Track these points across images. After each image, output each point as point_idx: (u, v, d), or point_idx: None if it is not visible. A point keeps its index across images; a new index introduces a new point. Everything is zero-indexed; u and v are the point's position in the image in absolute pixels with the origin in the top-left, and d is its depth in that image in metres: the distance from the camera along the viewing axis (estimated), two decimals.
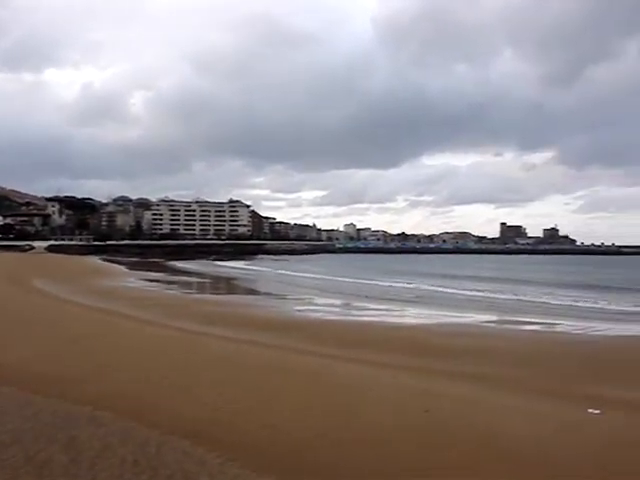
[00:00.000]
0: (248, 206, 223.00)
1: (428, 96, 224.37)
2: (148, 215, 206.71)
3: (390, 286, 51.42)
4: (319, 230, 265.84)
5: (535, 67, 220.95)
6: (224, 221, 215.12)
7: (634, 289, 47.30)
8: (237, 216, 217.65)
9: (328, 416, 9.54)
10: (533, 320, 28.08)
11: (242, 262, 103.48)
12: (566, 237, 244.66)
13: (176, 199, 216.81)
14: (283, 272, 73.13)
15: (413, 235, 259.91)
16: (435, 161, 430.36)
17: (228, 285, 55.19)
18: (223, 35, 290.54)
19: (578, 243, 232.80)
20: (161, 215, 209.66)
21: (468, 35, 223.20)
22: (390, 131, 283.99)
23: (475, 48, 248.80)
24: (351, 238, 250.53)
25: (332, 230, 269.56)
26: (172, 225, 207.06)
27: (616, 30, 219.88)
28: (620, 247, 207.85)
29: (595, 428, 9.51)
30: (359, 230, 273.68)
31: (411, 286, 52.07)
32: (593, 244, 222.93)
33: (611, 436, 9.04)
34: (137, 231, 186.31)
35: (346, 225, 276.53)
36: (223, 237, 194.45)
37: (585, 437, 8.94)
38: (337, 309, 33.12)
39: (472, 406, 10.63)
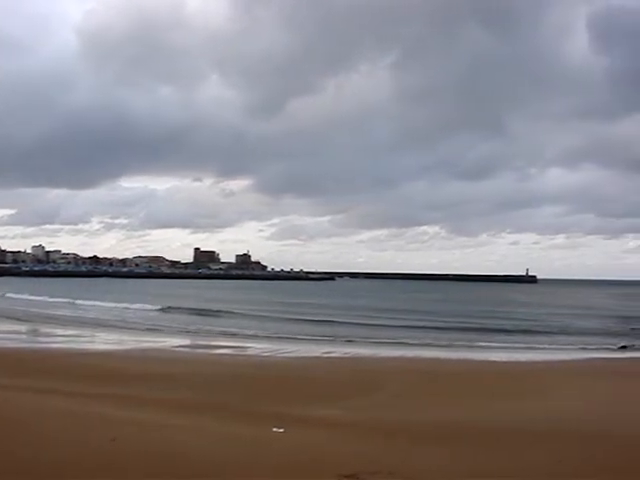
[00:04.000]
0: None
1: (131, 117, 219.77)
2: None
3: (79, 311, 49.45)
4: (3, 252, 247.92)
5: (240, 95, 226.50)
6: None
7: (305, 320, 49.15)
8: None
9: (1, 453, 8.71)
10: (225, 344, 28.57)
11: None
12: (258, 263, 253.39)
13: None
14: None
15: (106, 258, 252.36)
16: (134, 183, 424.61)
17: None
18: None
19: (269, 269, 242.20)
20: None
21: (175, 57, 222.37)
22: (88, 150, 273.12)
23: (181, 71, 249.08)
24: (39, 261, 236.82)
25: (19, 252, 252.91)
26: None
27: (318, 68, 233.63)
28: (308, 273, 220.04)
29: (278, 445, 9.79)
30: (48, 252, 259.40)
31: (99, 310, 50.69)
32: (283, 270, 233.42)
33: (293, 452, 9.35)
34: None
35: (34, 247, 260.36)
36: None
37: (270, 455, 9.14)
38: (20, 336, 31.00)
39: (161, 432, 10.41)
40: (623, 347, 32.43)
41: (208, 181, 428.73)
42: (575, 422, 12.57)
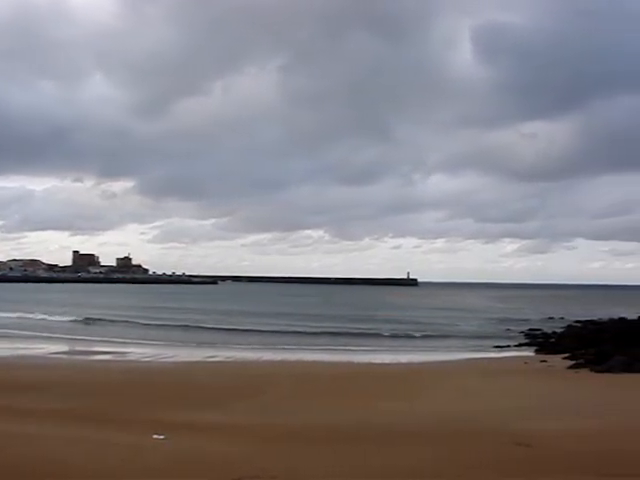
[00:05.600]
0: None
1: (7, 112, 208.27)
2: None
3: None
4: None
5: (125, 94, 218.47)
6: None
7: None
8: None
9: None
10: (104, 350, 27.90)
11: None
12: (139, 266, 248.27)
13: None
14: None
15: None
16: (9, 183, 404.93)
17: None
18: None
19: (151, 272, 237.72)
20: None
21: (57, 51, 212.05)
22: None
23: (63, 66, 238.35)
24: None
25: None
26: None
27: (205, 68, 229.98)
28: (190, 276, 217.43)
29: (160, 452, 9.62)
30: None
31: None
32: (165, 273, 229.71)
33: (174, 459, 9.20)
34: None
35: None
36: None
37: (151, 462, 8.96)
38: None
39: (35, 442, 9.99)
40: (498, 347, 33.78)
41: (89, 182, 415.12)
42: (456, 421, 13.01)
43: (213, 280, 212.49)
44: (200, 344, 32.69)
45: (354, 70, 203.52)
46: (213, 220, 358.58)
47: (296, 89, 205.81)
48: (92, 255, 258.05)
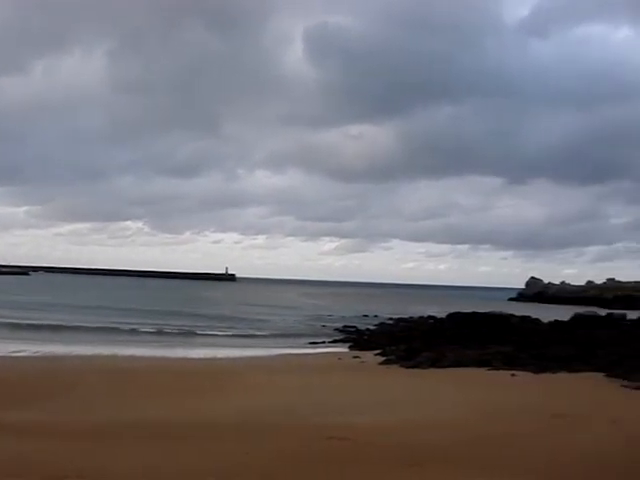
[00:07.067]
0: None
1: None
2: None
3: None
4: None
5: None
6: None
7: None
8: None
9: None
10: None
11: None
12: None
13: None
14: None
15: None
16: None
17: None
18: None
19: None
20: None
21: None
22: None
23: None
24: None
25: None
26: None
27: (26, 45, 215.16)
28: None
29: None
30: None
31: None
32: None
33: None
34: None
35: None
36: None
37: None
38: None
39: None
40: (313, 343, 34.52)
41: None
42: (269, 415, 13.19)
43: (24, 271, 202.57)
44: (4, 339, 30.97)
45: (184, 62, 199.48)
46: (26, 207, 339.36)
47: (123, 76, 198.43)
48: None
